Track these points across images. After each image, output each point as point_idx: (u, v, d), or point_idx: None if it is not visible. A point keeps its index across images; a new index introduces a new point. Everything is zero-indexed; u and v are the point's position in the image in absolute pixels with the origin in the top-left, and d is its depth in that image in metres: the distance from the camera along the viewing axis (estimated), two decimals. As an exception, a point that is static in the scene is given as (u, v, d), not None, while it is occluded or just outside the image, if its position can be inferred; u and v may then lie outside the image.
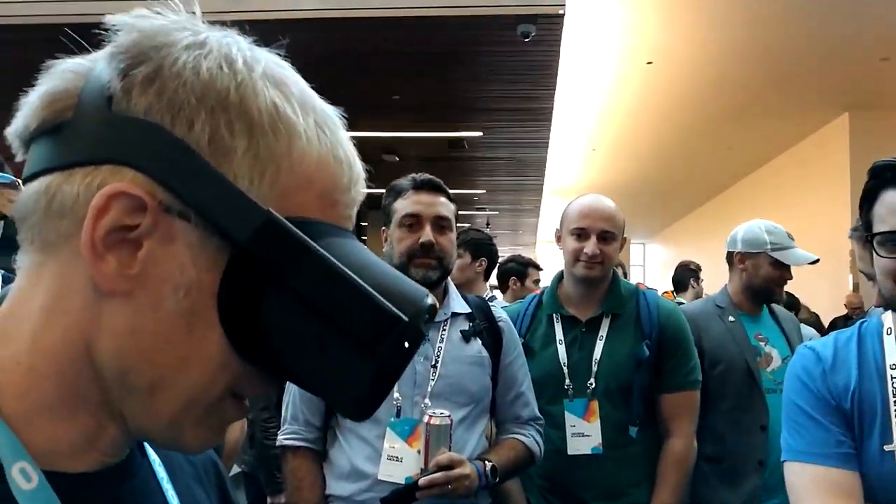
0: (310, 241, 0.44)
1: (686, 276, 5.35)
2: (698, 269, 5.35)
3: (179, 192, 0.43)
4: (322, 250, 0.44)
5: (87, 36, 0.48)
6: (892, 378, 1.22)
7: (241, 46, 0.47)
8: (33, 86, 0.47)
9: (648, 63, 7.21)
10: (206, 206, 0.43)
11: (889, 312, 1.28)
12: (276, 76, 0.48)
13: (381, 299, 0.44)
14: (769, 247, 2.56)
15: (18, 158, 0.49)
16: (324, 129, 0.49)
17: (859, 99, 7.77)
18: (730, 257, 2.70)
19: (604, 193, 2.23)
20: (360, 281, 0.44)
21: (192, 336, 0.45)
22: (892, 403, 1.20)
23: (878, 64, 6.70)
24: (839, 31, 6.08)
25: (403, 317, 0.44)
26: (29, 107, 0.47)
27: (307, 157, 0.47)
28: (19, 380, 0.46)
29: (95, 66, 0.46)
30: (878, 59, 6.58)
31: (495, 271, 4.16)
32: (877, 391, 1.22)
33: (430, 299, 0.47)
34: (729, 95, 7.93)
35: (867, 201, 1.25)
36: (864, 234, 1.25)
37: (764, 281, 2.57)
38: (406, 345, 0.45)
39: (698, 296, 4.96)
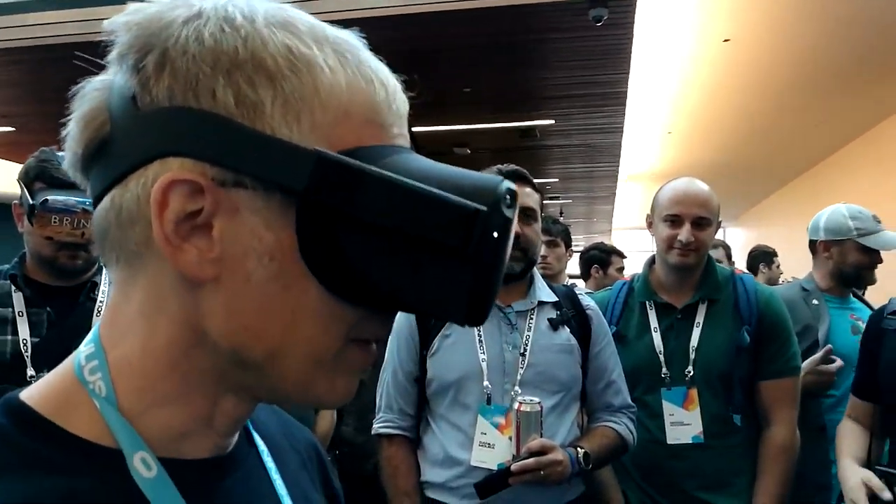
0: (366, 165, 0.43)
1: (756, 260, 5.19)
2: (772, 252, 5.18)
3: (226, 162, 0.43)
4: (380, 170, 0.43)
5: (104, 53, 0.47)
6: None
7: (236, 3, 0.46)
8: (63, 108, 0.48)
9: (725, 41, 6.95)
10: (255, 167, 0.43)
11: None
12: (279, 19, 0.46)
13: (454, 197, 0.42)
14: (855, 233, 2.48)
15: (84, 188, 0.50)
16: (344, 55, 0.47)
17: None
18: (813, 245, 2.62)
19: (681, 175, 2.16)
20: (426, 187, 0.42)
21: (290, 296, 0.44)
22: None
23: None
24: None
25: (481, 207, 0.41)
26: (70, 136, 0.47)
27: (336, 88, 0.46)
28: (132, 379, 0.47)
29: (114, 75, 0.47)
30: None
31: (575, 260, 4.12)
32: None
33: (507, 183, 0.44)
34: (810, 71, 7.56)
35: None
36: None
37: (853, 268, 2.49)
38: (495, 234, 0.42)
39: (771, 280, 4.81)
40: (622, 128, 7.44)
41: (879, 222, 2.52)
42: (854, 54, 7.09)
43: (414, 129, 7.08)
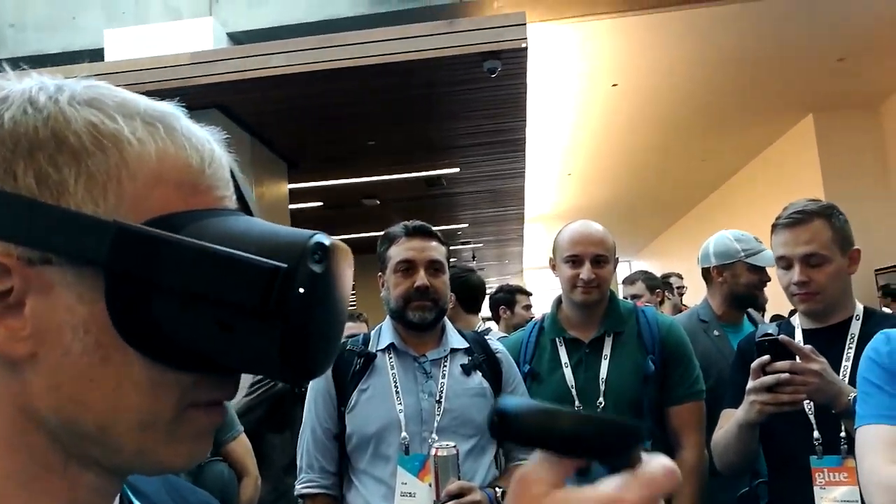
0: (163, 232, 0.44)
1: (662, 283, 5.39)
2: (669, 281, 5.41)
3: (30, 241, 0.43)
4: (179, 237, 0.44)
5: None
6: None
7: (44, 85, 0.47)
8: None
9: (614, 85, 7.38)
10: (58, 243, 0.43)
11: None
12: (86, 97, 0.47)
13: (252, 257, 0.42)
14: (742, 254, 2.64)
15: None
16: (155, 125, 0.48)
17: (821, 100, 7.98)
18: (706, 273, 2.76)
19: (583, 215, 2.31)
20: (225, 250, 0.43)
21: (111, 367, 0.44)
22: None
23: (834, 65, 6.90)
24: (794, 34, 6.28)
25: (280, 265, 0.42)
26: None
27: (145, 158, 0.47)
28: None
29: None
30: (835, 59, 6.78)
31: (487, 303, 4.18)
32: None
33: (319, 237, 0.44)
34: (695, 108, 8.11)
35: None
36: None
37: (745, 288, 2.63)
38: (301, 290, 0.42)
39: (675, 307, 5.00)
40: (524, 172, 7.70)
41: (761, 242, 2.67)
42: (727, 96, 7.65)
43: (324, 182, 7.09)
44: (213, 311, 0.43)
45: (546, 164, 10.10)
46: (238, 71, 4.40)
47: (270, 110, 5.15)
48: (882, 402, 1.38)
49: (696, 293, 5.38)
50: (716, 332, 2.62)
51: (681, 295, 5.49)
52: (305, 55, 4.41)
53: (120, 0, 5.62)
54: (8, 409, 0.45)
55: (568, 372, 2.12)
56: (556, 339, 2.19)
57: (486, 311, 4.66)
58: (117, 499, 0.53)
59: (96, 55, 5.09)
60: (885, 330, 1.49)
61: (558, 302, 2.27)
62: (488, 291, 4.46)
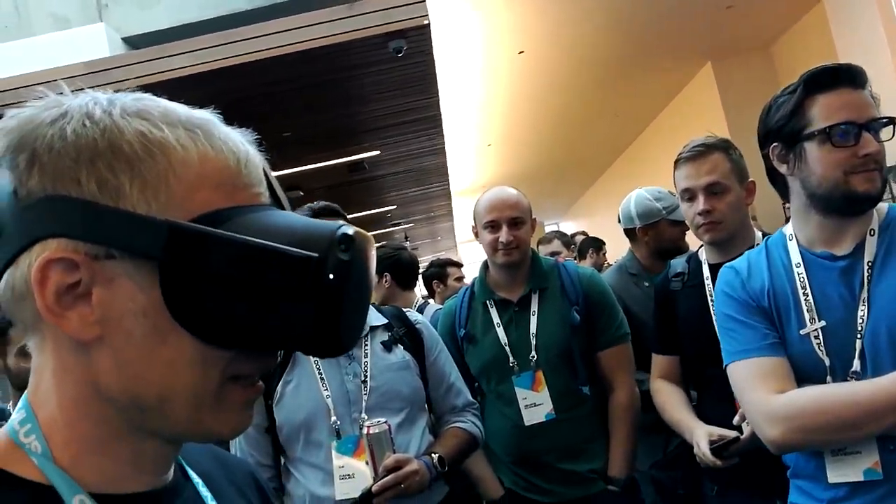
0: (208, 228, 0.51)
1: (585, 246, 5.62)
2: (600, 241, 5.63)
3: (96, 239, 0.51)
4: (223, 232, 0.51)
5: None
6: (798, 275, 1.40)
7: (98, 100, 0.55)
8: None
9: (520, 52, 7.49)
10: (120, 240, 0.51)
11: (789, 224, 1.47)
12: (135, 109, 0.55)
13: (287, 248, 0.50)
14: (664, 212, 2.77)
15: None
16: (194, 131, 0.56)
17: (716, 47, 8.27)
18: (631, 232, 2.87)
19: (507, 183, 2.39)
20: (264, 242, 0.50)
21: (167, 346, 0.52)
22: (801, 295, 1.38)
23: (724, 12, 7.17)
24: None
25: (312, 254, 0.49)
26: None
27: (189, 162, 0.54)
28: (60, 433, 0.55)
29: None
30: (725, 7, 7.05)
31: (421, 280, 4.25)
32: (787, 287, 1.41)
33: (344, 228, 0.52)
34: (601, 66, 8.30)
35: (794, 114, 1.39)
36: (800, 137, 1.38)
37: (670, 242, 2.77)
38: (331, 276, 0.50)
39: (596, 264, 5.20)
40: (444, 148, 7.76)
41: (675, 195, 2.83)
42: (629, 48, 7.86)
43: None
44: (254, 295, 0.51)
45: (465, 137, 10.18)
46: (138, 77, 4.29)
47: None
48: (746, 336, 1.41)
49: (617, 250, 5.60)
50: (646, 283, 2.74)
51: (601, 253, 5.67)
52: (206, 53, 4.33)
53: (1, 14, 5.36)
54: (80, 385, 0.54)
55: (500, 331, 2.21)
56: (487, 302, 2.28)
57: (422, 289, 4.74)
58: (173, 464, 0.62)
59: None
60: (729, 263, 1.55)
61: (485, 266, 2.36)
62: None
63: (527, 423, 2.14)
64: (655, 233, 2.79)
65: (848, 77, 1.38)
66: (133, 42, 5.19)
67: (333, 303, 0.51)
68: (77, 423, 0.55)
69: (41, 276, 0.51)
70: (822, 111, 1.36)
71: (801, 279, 1.40)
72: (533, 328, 2.19)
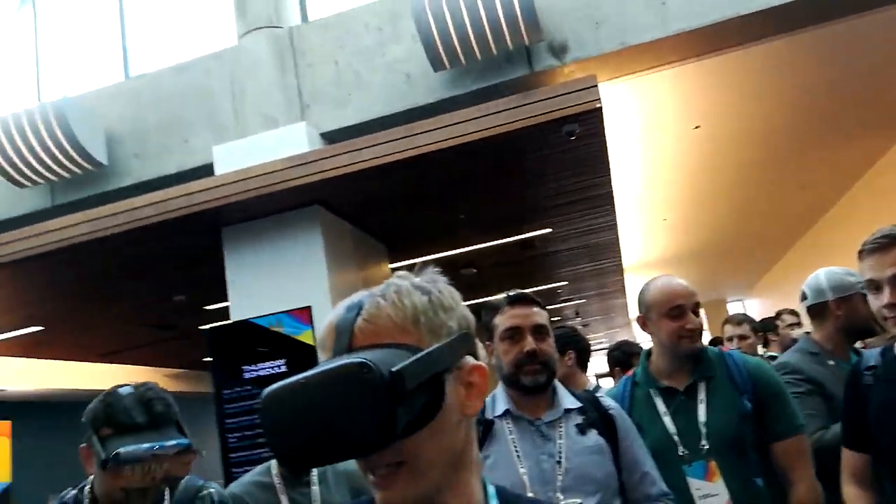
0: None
1: (766, 327, 5.30)
2: (772, 318, 5.30)
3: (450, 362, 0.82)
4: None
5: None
6: None
7: (411, 279, 0.90)
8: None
9: (696, 127, 7.39)
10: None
11: None
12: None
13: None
14: (860, 285, 2.62)
15: None
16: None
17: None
18: (821, 308, 2.73)
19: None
20: None
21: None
22: None
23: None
24: (875, 53, 6.14)
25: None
26: None
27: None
28: None
29: None
30: (924, 71, 6.55)
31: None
32: None
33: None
34: (784, 138, 7.96)
35: None
36: None
37: (865, 319, 2.59)
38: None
39: (784, 338, 4.91)
40: (615, 224, 7.73)
41: None
42: (814, 119, 7.48)
43: (421, 258, 7.38)
44: None
45: (639, 212, 10.08)
46: (333, 169, 4.79)
47: (366, 200, 5.51)
48: None
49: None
50: (830, 362, 2.60)
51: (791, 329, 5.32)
52: (391, 146, 4.75)
53: (223, 118, 6.20)
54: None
55: (668, 420, 2.19)
56: (651, 391, 2.27)
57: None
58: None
59: (207, 170, 5.64)
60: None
61: (647, 354, 2.37)
62: (600, 347, 4.52)
63: (703, 515, 2.08)
64: (849, 307, 2.64)
65: None
66: (329, 136, 5.78)
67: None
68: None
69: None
70: None
71: None
72: (702, 416, 2.15)
